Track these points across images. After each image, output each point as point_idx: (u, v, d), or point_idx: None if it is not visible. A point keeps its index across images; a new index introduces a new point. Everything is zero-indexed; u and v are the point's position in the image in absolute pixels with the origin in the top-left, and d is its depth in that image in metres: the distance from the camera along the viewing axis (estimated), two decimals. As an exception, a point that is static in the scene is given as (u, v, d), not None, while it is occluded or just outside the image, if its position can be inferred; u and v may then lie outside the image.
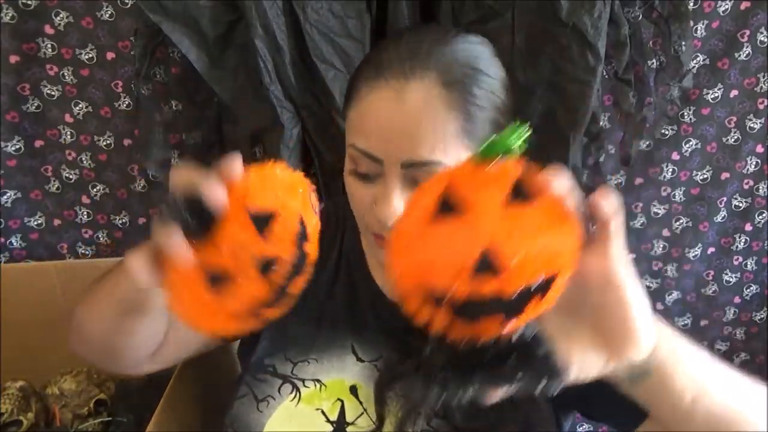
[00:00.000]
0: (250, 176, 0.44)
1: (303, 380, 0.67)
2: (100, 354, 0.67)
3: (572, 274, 0.38)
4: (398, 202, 0.58)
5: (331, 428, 0.64)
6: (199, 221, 0.40)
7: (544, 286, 0.36)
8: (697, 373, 0.46)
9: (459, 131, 0.56)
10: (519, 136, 0.39)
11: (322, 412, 0.65)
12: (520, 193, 0.37)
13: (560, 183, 0.37)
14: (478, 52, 0.60)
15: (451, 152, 0.56)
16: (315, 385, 0.66)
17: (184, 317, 0.42)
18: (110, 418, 1.00)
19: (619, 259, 0.40)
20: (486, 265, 0.36)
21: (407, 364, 0.60)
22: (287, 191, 0.43)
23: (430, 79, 0.56)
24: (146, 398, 0.97)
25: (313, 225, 0.43)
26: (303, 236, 0.42)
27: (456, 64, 0.58)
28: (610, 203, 0.39)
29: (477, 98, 0.57)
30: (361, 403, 0.65)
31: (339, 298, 0.71)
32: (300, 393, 0.66)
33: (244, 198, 0.42)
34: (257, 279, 0.40)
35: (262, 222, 0.40)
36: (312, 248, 0.43)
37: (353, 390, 0.66)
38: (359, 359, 0.67)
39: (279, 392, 0.66)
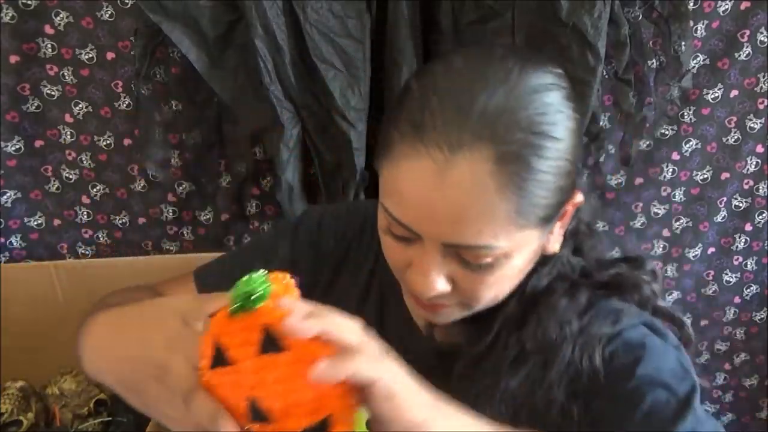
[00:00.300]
0: None
1: None
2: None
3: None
4: (437, 277, 0.51)
5: None
6: None
7: (321, 428, 0.39)
8: None
9: (512, 212, 0.47)
10: (260, 282, 0.40)
11: None
12: (272, 341, 0.38)
13: (308, 326, 0.38)
14: (545, 106, 0.48)
15: (502, 235, 0.48)
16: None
17: None
18: (110, 418, 1.00)
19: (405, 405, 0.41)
20: (257, 414, 0.38)
21: None
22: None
23: (481, 153, 0.46)
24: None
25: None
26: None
27: (516, 131, 0.46)
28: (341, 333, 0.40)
29: (538, 173, 0.47)
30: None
31: (366, 319, 0.67)
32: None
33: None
34: None
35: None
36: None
37: (366, 423, 0.63)
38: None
39: None
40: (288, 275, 0.44)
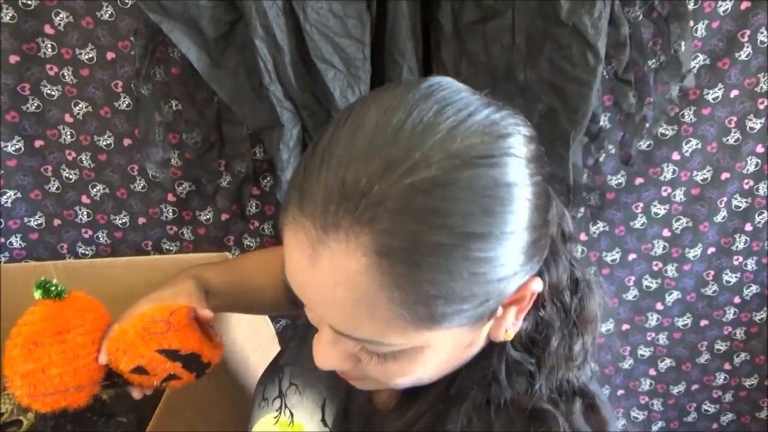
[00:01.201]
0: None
1: (286, 406, 0.64)
2: None
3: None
4: (331, 356, 0.45)
5: None
6: None
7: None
8: None
9: (403, 316, 0.38)
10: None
11: None
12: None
13: None
14: (466, 190, 0.36)
15: (394, 334, 0.40)
16: (290, 417, 0.63)
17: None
18: (110, 418, 1.00)
19: None
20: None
21: None
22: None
23: (358, 241, 0.36)
24: (146, 398, 0.97)
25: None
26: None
27: (408, 220, 0.35)
28: None
29: (442, 274, 0.37)
30: None
31: None
32: (281, 415, 0.64)
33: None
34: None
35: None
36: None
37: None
38: (323, 419, 0.61)
39: (272, 402, 0.66)
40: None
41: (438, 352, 0.43)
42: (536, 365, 0.48)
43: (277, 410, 0.65)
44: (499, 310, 0.43)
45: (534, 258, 0.42)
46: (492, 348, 0.48)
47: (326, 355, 0.45)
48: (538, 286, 0.43)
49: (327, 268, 0.38)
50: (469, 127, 0.37)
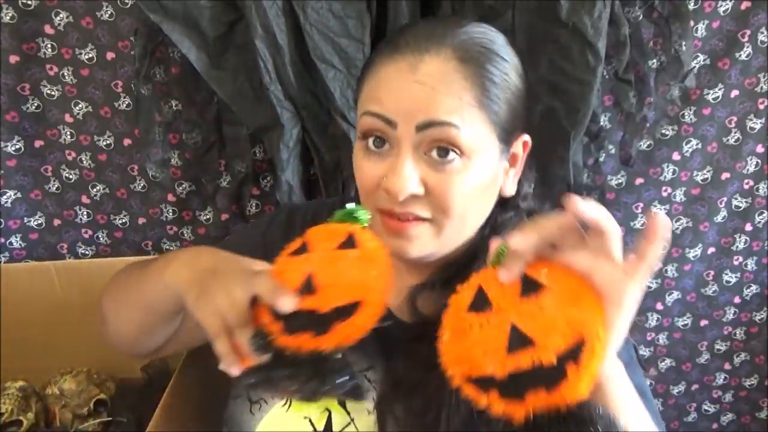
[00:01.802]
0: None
1: None
2: (123, 339, 0.72)
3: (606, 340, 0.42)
4: (410, 173, 0.56)
5: None
6: None
7: (575, 352, 0.40)
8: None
9: (475, 101, 0.56)
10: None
11: (310, 421, 0.64)
12: (530, 285, 0.43)
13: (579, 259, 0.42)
14: (492, 36, 0.61)
15: (468, 119, 0.56)
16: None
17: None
18: (110, 418, 1.00)
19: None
20: (517, 341, 0.41)
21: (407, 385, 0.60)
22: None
23: (446, 53, 0.57)
24: (146, 398, 0.97)
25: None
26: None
27: (471, 43, 0.58)
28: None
29: (492, 74, 0.58)
30: (348, 413, 0.64)
31: None
32: (291, 399, 0.65)
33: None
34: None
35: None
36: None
37: (341, 401, 0.65)
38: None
39: (271, 396, 0.66)
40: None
41: (481, 167, 0.58)
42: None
43: (282, 398, 0.65)
44: (506, 164, 0.63)
45: (522, 112, 0.62)
46: (506, 208, 0.65)
47: (406, 176, 0.56)
48: (527, 137, 0.64)
49: (426, 71, 0.56)
50: (482, 23, 0.63)
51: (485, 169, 0.59)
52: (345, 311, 0.46)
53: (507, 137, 0.60)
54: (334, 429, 0.63)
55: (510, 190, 0.64)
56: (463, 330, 0.44)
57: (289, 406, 0.65)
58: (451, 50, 0.57)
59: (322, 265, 0.47)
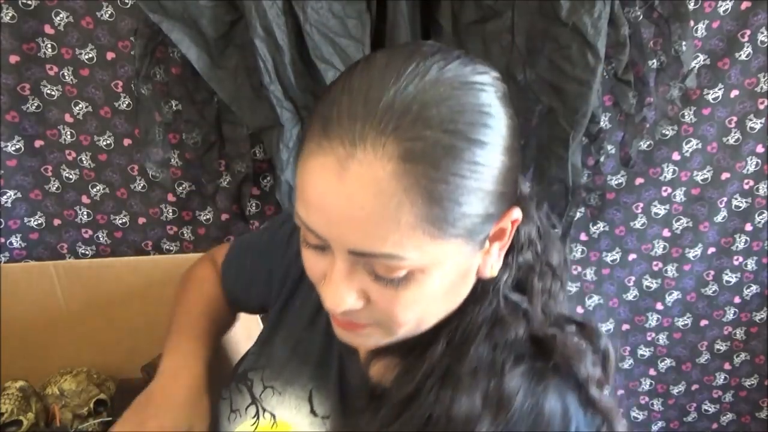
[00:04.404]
0: None
1: (264, 409, 0.63)
2: None
3: None
4: (345, 291, 0.46)
5: None
6: None
7: None
8: None
9: (421, 220, 0.42)
10: None
11: None
12: None
13: None
14: (466, 105, 0.43)
15: (411, 246, 0.43)
16: (271, 419, 0.62)
17: None
18: (110, 418, 1.00)
19: None
20: None
21: None
22: None
23: (384, 149, 0.41)
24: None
25: None
26: None
27: (425, 127, 0.41)
28: None
29: (451, 176, 0.42)
30: None
31: (317, 333, 0.65)
32: (259, 421, 0.62)
33: None
34: None
35: None
36: None
37: None
38: (312, 411, 0.61)
39: (246, 411, 0.64)
40: None
41: (444, 275, 0.47)
42: (528, 301, 0.54)
43: (253, 417, 0.63)
44: (486, 244, 0.49)
45: (511, 187, 0.48)
46: (485, 295, 0.52)
47: (340, 293, 0.46)
48: (517, 213, 0.49)
49: (356, 180, 0.42)
50: (460, 64, 0.45)
51: (449, 274, 0.47)
52: None
53: (482, 232, 0.47)
54: None
55: (491, 272, 0.51)
56: None
57: (256, 428, 0.62)
58: (392, 142, 0.41)
59: None
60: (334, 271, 0.46)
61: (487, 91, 0.45)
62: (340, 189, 0.42)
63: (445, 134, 0.42)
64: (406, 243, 0.43)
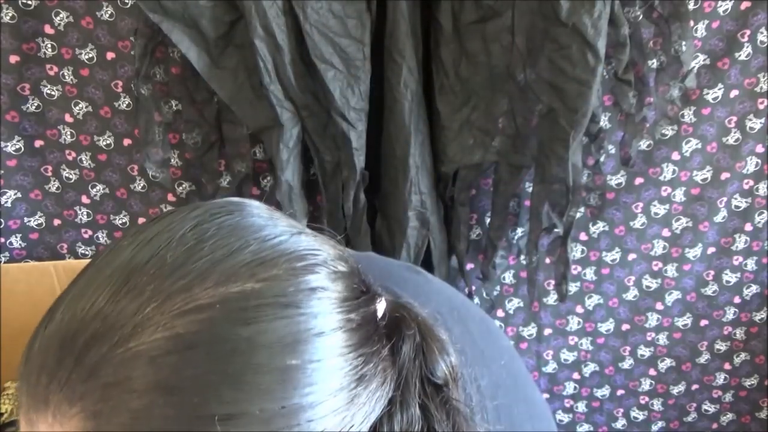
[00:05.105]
0: None
1: None
2: None
3: None
4: None
5: None
6: None
7: None
8: None
9: None
10: None
11: None
12: None
13: None
14: (196, 362, 0.28)
15: None
16: None
17: None
18: (110, 418, 1.00)
19: None
20: None
21: None
22: None
23: (68, 427, 0.30)
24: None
25: None
26: None
27: (128, 392, 0.28)
28: None
29: None
30: None
31: None
32: None
33: None
34: None
35: None
36: None
37: None
38: None
39: None
40: None
41: None
42: None
43: None
44: None
45: None
46: None
47: None
48: None
49: None
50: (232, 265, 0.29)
51: None
52: None
53: None
54: None
55: None
56: None
57: None
58: (76, 419, 0.29)
59: None
60: None
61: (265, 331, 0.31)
62: None
63: (159, 408, 0.29)
64: None
